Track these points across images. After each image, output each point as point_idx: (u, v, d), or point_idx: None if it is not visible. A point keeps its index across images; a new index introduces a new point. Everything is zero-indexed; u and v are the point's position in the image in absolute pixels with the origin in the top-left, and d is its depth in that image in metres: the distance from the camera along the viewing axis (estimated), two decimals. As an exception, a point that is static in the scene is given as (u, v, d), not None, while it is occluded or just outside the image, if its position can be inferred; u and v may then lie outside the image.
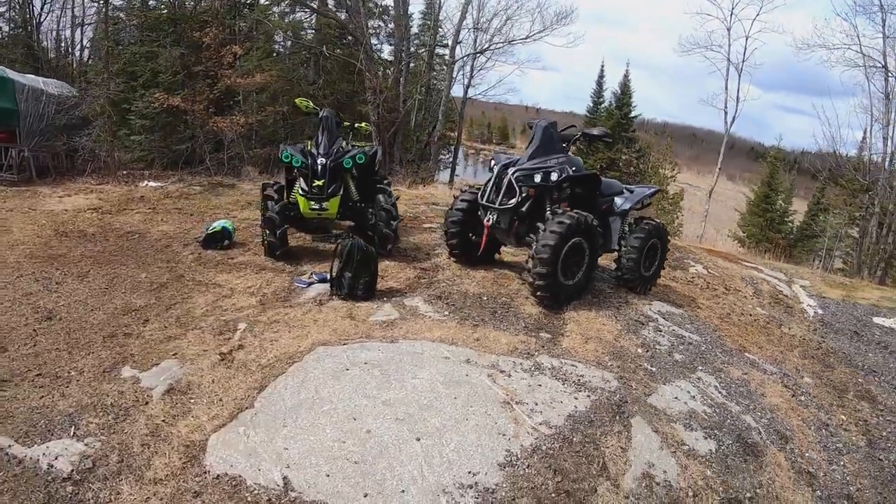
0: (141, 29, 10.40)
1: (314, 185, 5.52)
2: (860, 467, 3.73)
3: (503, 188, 5.01)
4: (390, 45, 18.74)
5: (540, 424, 3.35)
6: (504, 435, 3.22)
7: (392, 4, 17.67)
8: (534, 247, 4.66)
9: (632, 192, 5.68)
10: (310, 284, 5.07)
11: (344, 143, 5.91)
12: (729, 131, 20.25)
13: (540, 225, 4.75)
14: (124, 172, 8.98)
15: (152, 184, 8.56)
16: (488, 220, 5.07)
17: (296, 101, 6.04)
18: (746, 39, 19.47)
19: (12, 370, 3.53)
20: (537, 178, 4.91)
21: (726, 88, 19.63)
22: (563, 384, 3.76)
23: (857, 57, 15.63)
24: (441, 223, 6.49)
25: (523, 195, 4.94)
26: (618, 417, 3.55)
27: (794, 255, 22.45)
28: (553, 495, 2.93)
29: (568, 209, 4.95)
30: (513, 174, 4.98)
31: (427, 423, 3.21)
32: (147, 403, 3.31)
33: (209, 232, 6.06)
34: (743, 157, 65.34)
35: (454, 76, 18.25)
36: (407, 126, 17.36)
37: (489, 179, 5.22)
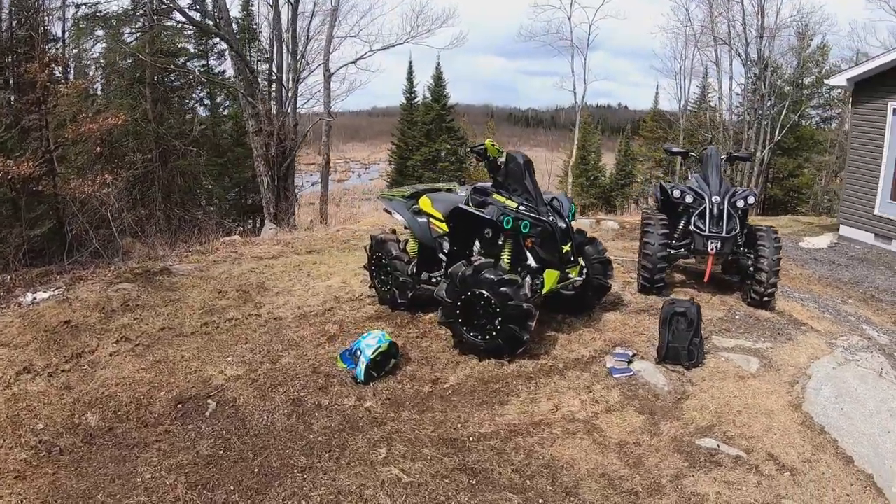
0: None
1: (564, 251, 4.24)
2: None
3: (724, 216, 5.20)
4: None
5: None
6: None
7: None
8: (765, 262, 5.09)
9: None
10: (630, 363, 4.06)
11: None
12: (579, 108, 23.41)
13: (763, 242, 5.17)
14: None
15: (42, 295, 4.59)
16: (713, 249, 5.18)
17: (486, 143, 4.37)
18: (590, 27, 23.07)
19: None
20: (740, 204, 5.31)
21: (573, 72, 22.40)
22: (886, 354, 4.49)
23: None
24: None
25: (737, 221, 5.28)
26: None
27: (612, 202, 27.30)
28: None
29: None
30: (729, 203, 5.23)
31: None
32: None
33: (373, 357, 3.71)
34: (515, 126, 71.96)
35: (330, 90, 14.67)
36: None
37: (702, 209, 5.26)
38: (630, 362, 4.05)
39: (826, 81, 13.12)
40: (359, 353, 3.76)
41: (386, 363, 3.82)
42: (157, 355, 3.84)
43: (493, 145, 4.32)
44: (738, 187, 5.58)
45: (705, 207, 5.24)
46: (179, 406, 3.30)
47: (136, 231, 7.74)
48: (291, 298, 5.09)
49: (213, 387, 3.51)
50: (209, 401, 3.37)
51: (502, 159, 4.37)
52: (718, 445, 3.24)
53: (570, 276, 4.35)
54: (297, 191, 14.67)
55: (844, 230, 9.17)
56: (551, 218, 4.22)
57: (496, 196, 4.27)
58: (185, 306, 4.70)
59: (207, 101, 19.93)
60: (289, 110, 13.14)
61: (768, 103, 17.70)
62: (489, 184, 4.53)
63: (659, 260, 5.22)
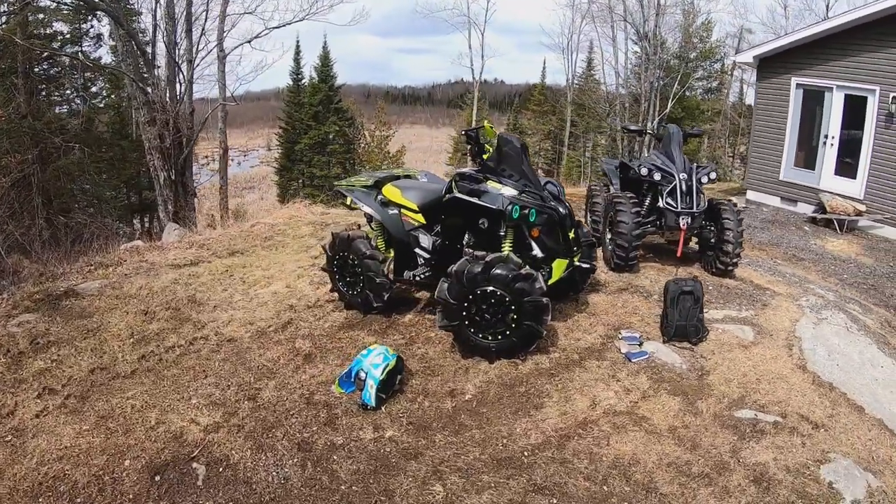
0: None
1: (571, 238, 4.14)
2: (861, 293, 6.26)
3: (692, 193, 5.42)
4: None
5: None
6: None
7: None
8: (731, 234, 5.39)
9: None
10: (641, 346, 4.05)
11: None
12: (479, 83, 24.79)
13: (727, 216, 5.45)
14: None
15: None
16: (685, 224, 5.41)
17: (485, 125, 4.12)
18: (488, 2, 27.13)
19: None
20: (705, 180, 5.58)
21: (470, 47, 24.48)
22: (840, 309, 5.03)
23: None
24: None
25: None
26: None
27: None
28: None
29: None
30: (697, 180, 5.46)
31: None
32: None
33: (382, 378, 3.29)
34: (393, 104, 70.33)
35: (225, 72, 12.62)
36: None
37: (672, 186, 5.43)
38: (640, 345, 4.03)
39: (733, 58, 14.59)
40: (363, 374, 3.32)
41: (393, 381, 3.40)
42: (98, 409, 3.05)
43: (490, 128, 4.03)
44: (697, 163, 5.86)
45: (675, 185, 5.43)
46: (157, 478, 2.62)
47: (23, 246, 6.35)
48: (236, 312, 4.42)
49: (191, 443, 2.85)
50: (194, 464, 2.72)
51: (483, 141, 4.12)
52: (756, 415, 3.39)
53: (575, 262, 4.23)
54: (196, 185, 13.25)
55: (752, 195, 10.15)
56: (553, 204, 4.06)
57: (491, 183, 3.96)
58: (109, 337, 3.85)
59: (84, 92, 17.56)
60: (185, 96, 11.68)
61: (658, 74, 19.18)
62: (471, 169, 4.23)
63: (633, 238, 5.32)
